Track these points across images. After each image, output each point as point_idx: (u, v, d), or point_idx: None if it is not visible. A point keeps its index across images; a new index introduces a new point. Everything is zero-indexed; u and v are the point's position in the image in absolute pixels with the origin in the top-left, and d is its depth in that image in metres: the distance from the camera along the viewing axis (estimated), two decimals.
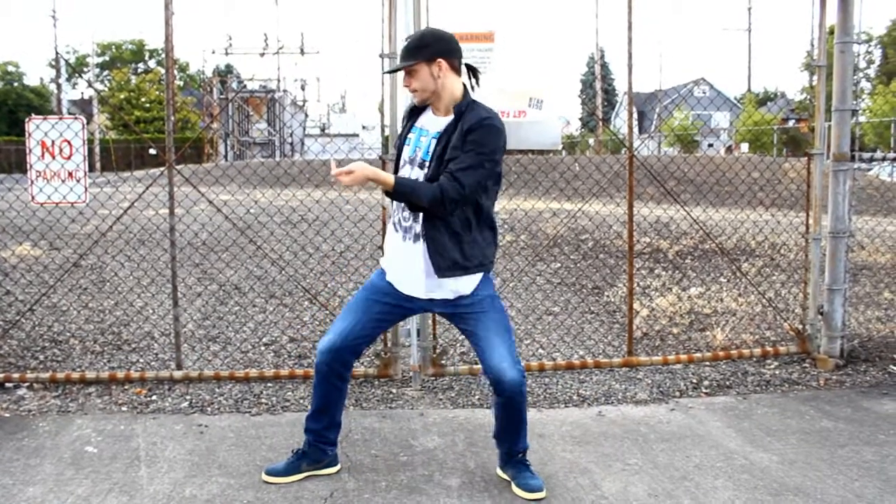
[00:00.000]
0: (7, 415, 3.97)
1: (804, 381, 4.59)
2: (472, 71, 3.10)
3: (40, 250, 8.20)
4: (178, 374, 4.44)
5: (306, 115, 46.26)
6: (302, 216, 7.73)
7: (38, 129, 4.31)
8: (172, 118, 4.76)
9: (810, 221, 4.97)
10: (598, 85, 38.28)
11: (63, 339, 5.25)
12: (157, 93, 41.68)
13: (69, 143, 4.33)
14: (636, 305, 5.91)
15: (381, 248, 4.39)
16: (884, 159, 5.22)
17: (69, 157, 4.33)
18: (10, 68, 50.64)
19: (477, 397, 4.26)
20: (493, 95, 4.15)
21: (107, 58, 58.76)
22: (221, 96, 40.54)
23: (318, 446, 3.22)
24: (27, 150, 4.29)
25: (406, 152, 3.06)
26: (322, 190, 9.56)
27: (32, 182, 4.32)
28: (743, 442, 3.64)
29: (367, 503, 3.02)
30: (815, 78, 4.89)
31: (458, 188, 2.83)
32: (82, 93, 54.58)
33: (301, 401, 4.18)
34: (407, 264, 3.02)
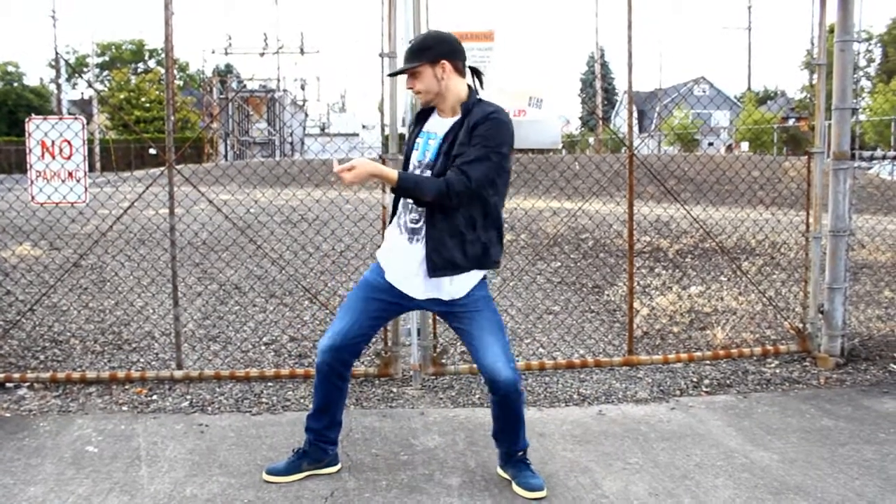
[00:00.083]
0: (8, 415, 3.97)
1: (805, 380, 4.59)
2: (476, 73, 3.09)
3: (40, 250, 8.20)
4: (178, 373, 4.45)
5: (306, 115, 46.29)
6: (302, 216, 7.73)
7: (38, 129, 4.31)
8: (172, 118, 4.76)
9: (810, 220, 4.97)
10: (598, 84, 38.28)
11: (63, 339, 5.25)
12: (157, 93, 41.68)
13: (69, 143, 4.33)
14: (636, 304, 5.92)
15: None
16: (884, 158, 5.23)
17: (69, 157, 4.33)
18: (10, 68, 50.66)
19: (477, 396, 4.26)
20: (493, 94, 4.14)
21: (107, 58, 58.77)
22: (221, 96, 40.56)
23: (319, 445, 3.22)
24: (27, 150, 4.29)
25: (415, 157, 3.04)
26: (322, 189, 9.56)
27: (32, 182, 4.32)
28: (743, 441, 3.64)
29: (368, 502, 3.02)
30: (815, 76, 4.89)
31: (465, 181, 2.82)
32: (82, 93, 54.62)
33: (301, 400, 4.18)
34: (408, 264, 3.01)
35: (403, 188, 2.87)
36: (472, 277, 2.99)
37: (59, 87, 42.66)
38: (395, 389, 4.36)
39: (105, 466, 3.33)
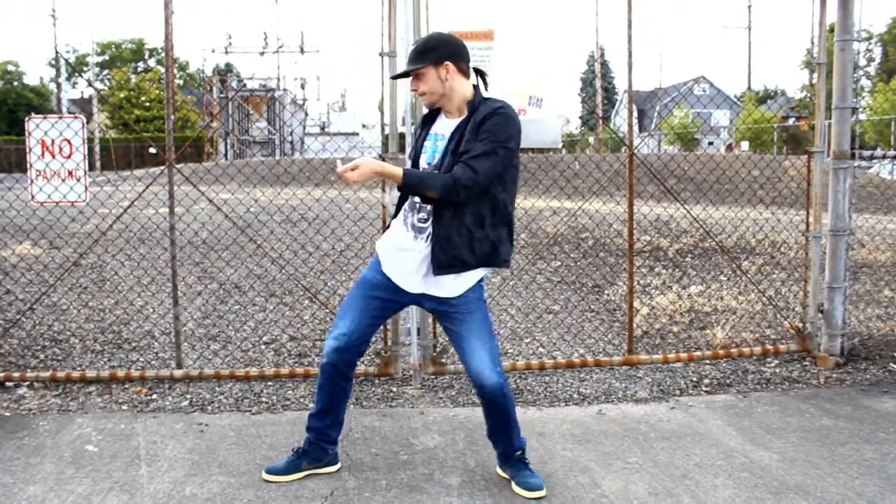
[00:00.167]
0: (7, 414, 3.97)
1: (804, 380, 4.59)
2: (481, 74, 3.08)
3: (40, 249, 8.20)
4: (178, 372, 4.45)
5: (306, 114, 46.27)
6: (302, 215, 7.73)
7: (37, 128, 4.31)
8: (172, 117, 4.76)
9: (810, 219, 4.97)
10: (598, 83, 38.27)
11: (63, 338, 5.25)
12: (157, 92, 41.67)
13: (69, 142, 4.33)
14: (636, 304, 5.92)
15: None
16: (884, 157, 5.23)
17: (69, 156, 4.33)
18: (10, 67, 50.64)
19: (477, 396, 4.26)
20: (493, 94, 4.15)
21: (106, 57, 58.74)
22: (221, 95, 40.54)
23: (320, 445, 3.22)
24: (27, 150, 4.29)
25: (423, 160, 3.03)
26: (322, 189, 9.56)
27: (32, 181, 4.32)
28: (743, 440, 3.64)
29: (368, 502, 3.02)
30: (815, 76, 4.89)
31: (472, 175, 2.80)
32: (82, 92, 54.64)
33: (301, 399, 4.18)
34: (409, 259, 3.00)
35: (409, 185, 2.85)
36: (474, 276, 2.99)
37: (59, 86, 42.65)
38: (394, 389, 4.36)
39: (105, 465, 3.33)
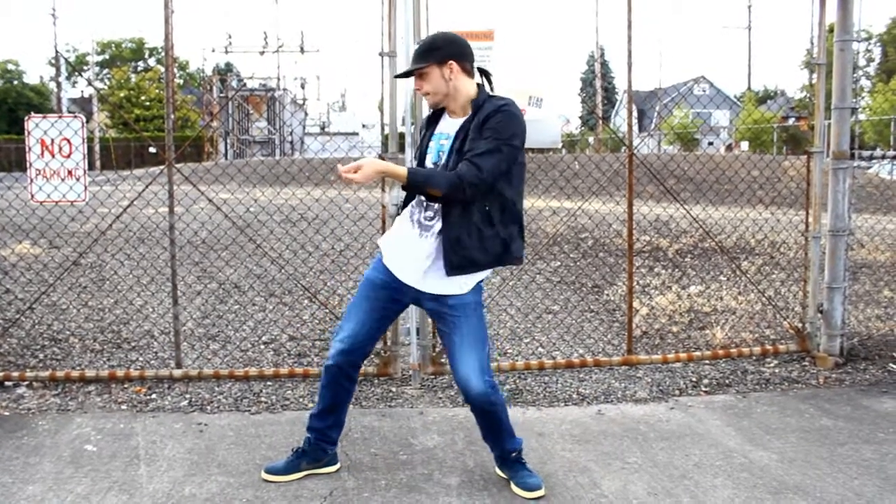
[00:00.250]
0: (6, 413, 3.97)
1: (804, 380, 4.59)
2: (486, 75, 3.07)
3: (40, 249, 8.20)
4: (177, 372, 4.45)
5: (306, 114, 46.26)
6: (301, 215, 7.74)
7: (37, 127, 4.31)
8: (172, 116, 4.76)
9: (810, 219, 4.97)
10: (597, 83, 38.28)
11: (63, 338, 5.25)
12: (157, 91, 41.67)
13: (69, 141, 4.32)
14: (636, 304, 5.92)
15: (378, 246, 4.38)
16: (883, 157, 5.23)
17: (69, 156, 4.33)
18: (10, 66, 50.61)
19: None
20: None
21: (106, 56, 58.74)
22: (221, 94, 40.53)
23: (320, 445, 3.22)
24: (27, 149, 4.29)
25: (429, 161, 3.02)
26: (322, 188, 9.56)
27: (32, 180, 4.32)
28: (742, 440, 3.64)
29: (367, 502, 3.02)
30: (814, 76, 4.89)
31: (477, 172, 2.79)
32: (82, 91, 54.59)
33: (301, 399, 4.18)
34: (411, 254, 2.99)
35: (414, 184, 2.84)
36: (476, 275, 2.98)
37: (59, 85, 42.63)
38: (394, 389, 4.36)
39: (104, 465, 3.33)
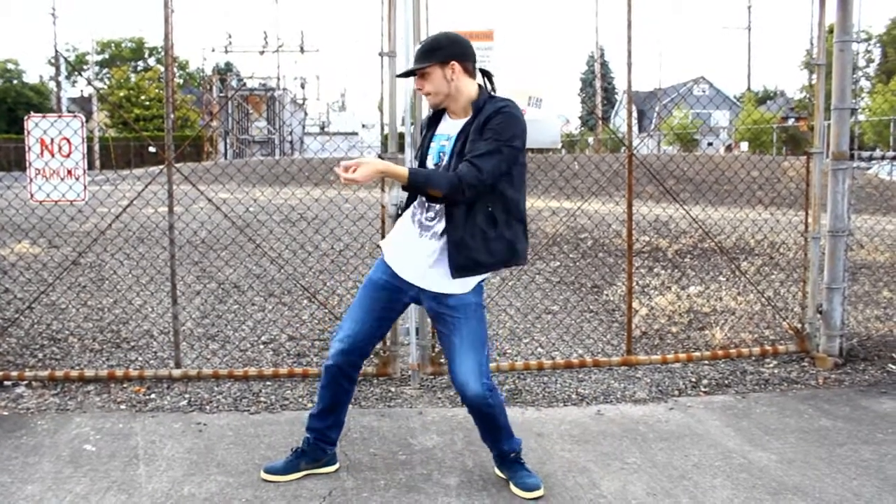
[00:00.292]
0: (6, 413, 3.96)
1: (803, 380, 4.59)
2: (488, 76, 3.07)
3: (39, 248, 8.20)
4: (176, 372, 4.44)
5: (305, 114, 46.24)
6: (301, 214, 7.74)
7: (37, 126, 4.31)
8: (172, 116, 4.76)
9: (809, 220, 4.97)
10: (597, 83, 38.29)
11: (62, 338, 5.25)
12: (157, 91, 41.66)
13: (68, 140, 4.32)
14: (635, 304, 5.92)
15: (379, 246, 4.38)
16: (883, 158, 5.23)
17: (68, 155, 4.33)
18: (10, 66, 50.59)
19: None
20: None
21: (106, 55, 58.73)
22: (221, 94, 40.52)
23: (319, 445, 3.22)
24: (26, 148, 4.29)
25: (430, 162, 3.02)
26: (321, 188, 9.56)
27: (31, 180, 4.32)
28: (741, 441, 3.64)
29: (366, 502, 3.02)
30: (814, 77, 4.89)
31: (477, 173, 2.78)
32: (82, 90, 54.56)
33: (300, 399, 4.18)
34: (414, 254, 2.99)
35: (415, 184, 2.83)
36: (475, 277, 2.98)
37: (58, 84, 42.61)
38: (393, 389, 4.36)
39: (103, 465, 3.33)
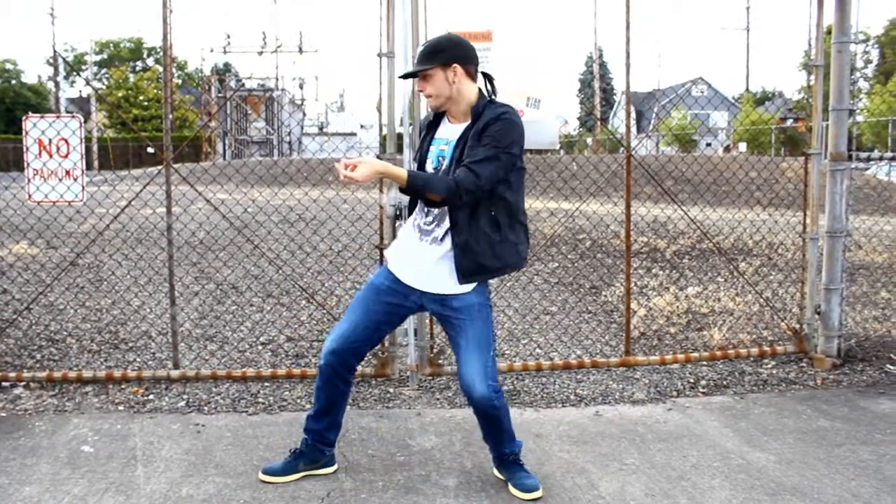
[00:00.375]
0: (3, 414, 3.96)
1: (801, 381, 4.59)
2: (489, 79, 3.07)
3: (37, 249, 8.19)
4: (175, 373, 4.44)
5: (304, 114, 46.21)
6: (299, 215, 7.73)
7: (35, 127, 4.30)
8: (170, 116, 4.75)
9: (807, 221, 4.98)
10: (596, 84, 38.30)
11: (60, 338, 5.24)
12: (156, 91, 41.63)
13: (66, 141, 4.32)
14: (633, 305, 5.92)
15: (378, 247, 4.38)
16: (881, 159, 5.23)
17: (66, 156, 4.32)
18: (8, 66, 50.54)
19: None
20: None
21: (105, 56, 58.70)
22: (219, 95, 40.49)
23: (317, 446, 3.22)
24: (24, 149, 4.28)
25: (429, 166, 3.02)
26: (319, 189, 9.55)
27: (29, 180, 4.31)
28: (740, 442, 3.64)
29: (364, 503, 3.02)
30: (812, 78, 4.89)
31: (474, 179, 2.79)
32: (80, 91, 54.53)
33: (298, 400, 4.17)
34: (416, 259, 3.00)
35: (413, 187, 2.85)
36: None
37: (57, 84, 42.56)
38: (391, 390, 4.36)
39: (101, 466, 3.32)
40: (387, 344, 4.46)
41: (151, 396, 4.22)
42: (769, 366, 4.86)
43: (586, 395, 4.31)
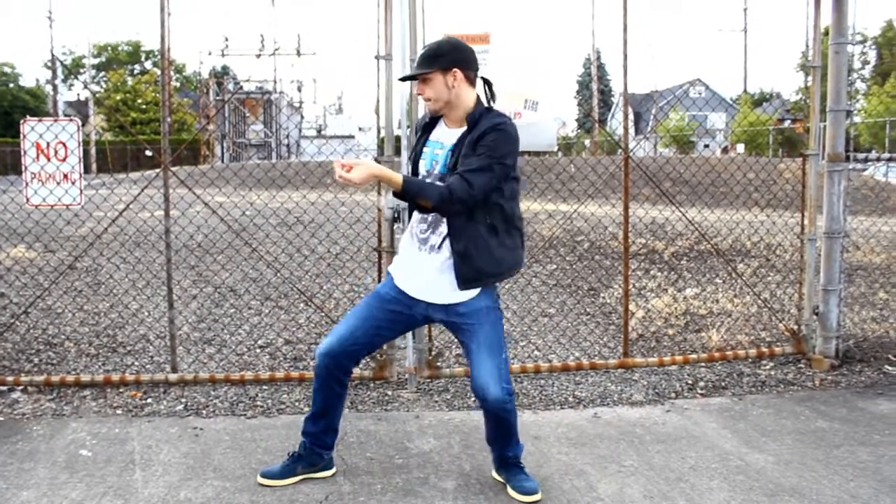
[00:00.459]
0: (1, 418, 3.95)
1: (799, 382, 4.59)
2: (488, 84, 3.08)
3: (35, 253, 8.18)
4: (173, 376, 4.43)
5: (302, 117, 46.20)
6: (297, 218, 7.73)
7: (33, 130, 4.30)
8: (168, 119, 4.75)
9: (805, 222, 4.98)
10: (594, 86, 38.33)
11: (58, 342, 5.23)
12: (154, 94, 41.63)
13: (64, 144, 4.32)
14: (632, 307, 5.92)
15: (376, 250, 4.38)
16: (878, 160, 5.23)
17: (64, 159, 4.32)
18: (6, 69, 50.55)
19: (472, 399, 4.25)
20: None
21: (103, 59, 58.69)
22: (217, 98, 40.49)
23: (315, 450, 3.22)
24: (22, 152, 4.28)
25: (422, 167, 3.04)
26: (318, 192, 9.54)
27: (27, 184, 4.31)
28: (738, 443, 3.64)
29: None
30: (810, 79, 4.90)
31: (467, 188, 2.81)
32: (78, 94, 54.55)
33: (296, 403, 4.17)
34: (417, 270, 3.02)
35: (407, 192, 2.86)
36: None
37: (55, 88, 42.54)
38: (390, 392, 4.36)
39: (99, 470, 3.32)
40: (385, 347, 4.46)
41: (149, 400, 4.21)
42: (767, 367, 4.86)
43: (585, 397, 4.31)
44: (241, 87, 41.67)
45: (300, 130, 44.21)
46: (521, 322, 5.82)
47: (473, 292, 2.97)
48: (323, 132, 45.17)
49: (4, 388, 4.34)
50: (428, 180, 2.98)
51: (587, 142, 41.05)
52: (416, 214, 3.06)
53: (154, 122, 39.90)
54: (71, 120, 4.39)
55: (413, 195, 2.86)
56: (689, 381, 4.58)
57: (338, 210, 8.25)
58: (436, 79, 2.93)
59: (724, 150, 32.46)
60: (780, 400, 4.29)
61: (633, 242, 8.41)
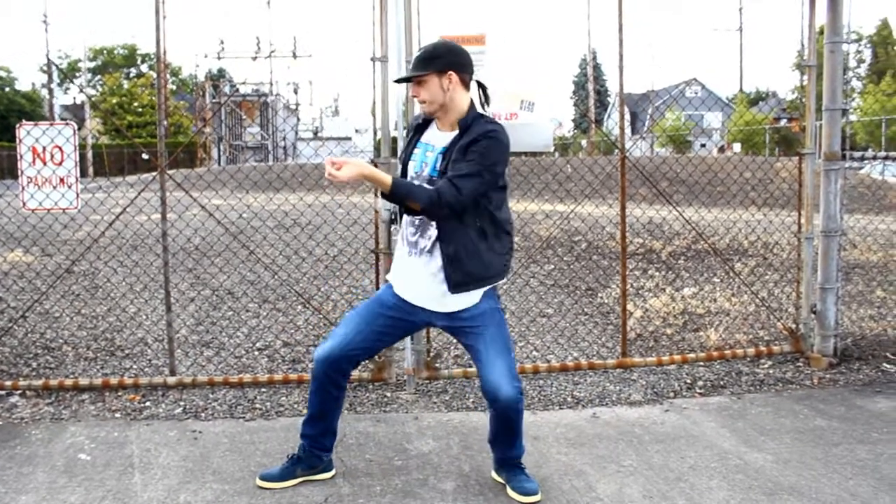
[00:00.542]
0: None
1: (798, 381, 4.60)
2: (483, 88, 3.08)
3: (32, 257, 8.16)
4: (171, 379, 4.43)
5: (298, 119, 46.19)
6: (294, 220, 7.73)
7: (29, 135, 4.29)
8: (164, 123, 4.75)
9: (802, 220, 4.99)
10: (590, 86, 38.36)
11: (56, 346, 5.22)
12: (150, 97, 41.59)
13: (60, 148, 4.31)
14: (630, 306, 5.92)
15: (373, 251, 4.38)
16: (874, 158, 5.24)
17: (60, 163, 4.31)
18: (2, 73, 50.43)
19: (471, 400, 4.26)
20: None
21: (99, 62, 58.64)
22: (214, 100, 40.46)
23: (314, 452, 3.21)
24: (18, 156, 4.28)
25: (412, 168, 3.05)
26: (314, 194, 9.54)
27: (24, 188, 4.30)
28: (737, 442, 3.65)
29: None
30: (805, 78, 4.91)
31: (456, 193, 2.82)
32: (74, 98, 54.46)
33: (295, 405, 4.17)
34: (412, 276, 3.03)
35: (397, 195, 2.87)
36: (479, 290, 2.99)
37: (51, 91, 42.53)
38: (388, 394, 4.35)
39: (98, 474, 3.31)
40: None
41: (148, 403, 4.21)
42: (766, 366, 4.87)
43: (583, 397, 4.32)
44: (237, 90, 41.65)
45: (297, 133, 44.20)
46: (519, 322, 5.82)
47: (475, 298, 2.97)
48: (319, 134, 45.13)
49: (3, 392, 4.33)
50: (417, 182, 2.98)
51: (584, 142, 41.08)
52: (406, 217, 3.06)
53: (150, 126, 39.82)
54: (67, 124, 4.39)
55: (402, 197, 2.88)
56: (688, 381, 4.59)
57: (335, 212, 8.25)
58: (431, 81, 2.94)
59: (721, 150, 32.51)
60: (778, 399, 4.29)
61: (630, 242, 8.42)
